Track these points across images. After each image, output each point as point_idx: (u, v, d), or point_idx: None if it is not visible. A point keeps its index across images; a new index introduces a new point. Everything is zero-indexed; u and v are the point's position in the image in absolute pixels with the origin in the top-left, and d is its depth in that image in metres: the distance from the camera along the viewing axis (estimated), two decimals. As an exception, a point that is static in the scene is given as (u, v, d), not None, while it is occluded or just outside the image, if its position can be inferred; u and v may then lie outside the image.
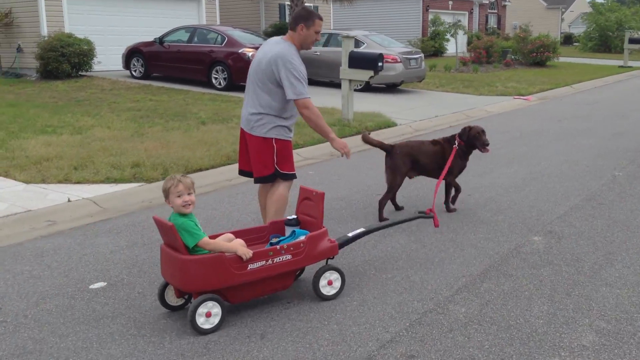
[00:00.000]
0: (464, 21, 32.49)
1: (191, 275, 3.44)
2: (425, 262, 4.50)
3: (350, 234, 4.14)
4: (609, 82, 19.98)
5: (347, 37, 10.48)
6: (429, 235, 5.10)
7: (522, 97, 15.19)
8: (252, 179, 4.62)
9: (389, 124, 10.90)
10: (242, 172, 4.74)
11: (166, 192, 3.50)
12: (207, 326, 3.45)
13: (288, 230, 4.05)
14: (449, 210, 5.78)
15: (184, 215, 3.49)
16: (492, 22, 37.43)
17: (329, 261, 3.98)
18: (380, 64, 10.12)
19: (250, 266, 3.55)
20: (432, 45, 28.07)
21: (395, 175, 5.59)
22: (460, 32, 22.78)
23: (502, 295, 3.95)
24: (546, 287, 4.07)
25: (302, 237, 3.79)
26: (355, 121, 10.61)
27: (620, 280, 4.19)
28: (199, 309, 3.42)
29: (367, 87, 15.45)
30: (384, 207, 5.57)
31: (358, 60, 10.24)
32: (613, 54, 33.62)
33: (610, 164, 7.78)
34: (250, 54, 13.78)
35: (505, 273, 4.31)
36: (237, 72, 13.89)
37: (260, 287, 3.69)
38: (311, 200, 4.05)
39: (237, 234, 3.90)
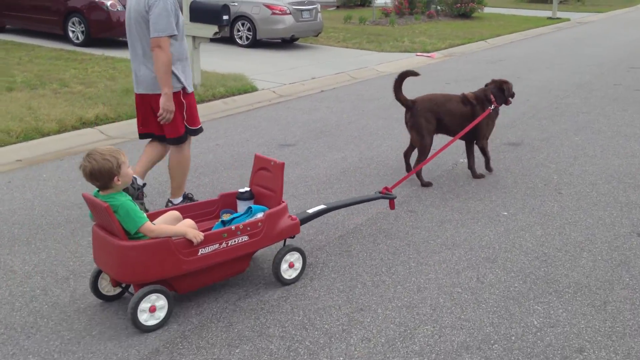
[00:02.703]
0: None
1: (132, 265, 2.92)
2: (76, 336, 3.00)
3: (309, 211, 3.75)
4: (529, 35, 18.63)
5: (188, -17, 8.65)
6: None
7: (425, 54, 13.71)
8: None
9: (247, 89, 9.27)
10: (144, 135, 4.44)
11: (116, 169, 2.93)
12: (151, 322, 2.96)
13: (241, 206, 3.56)
14: (474, 176, 5.43)
15: (120, 194, 2.99)
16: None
17: (288, 240, 3.57)
18: (225, 17, 8.34)
19: (202, 251, 3.08)
20: (359, -5, 26.16)
21: (421, 135, 5.20)
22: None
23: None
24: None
25: (260, 215, 3.35)
26: (205, 86, 8.93)
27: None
28: (141, 304, 2.91)
29: (255, 42, 13.71)
30: (421, 173, 5.23)
31: (200, 13, 8.45)
32: (547, 4, 32.30)
33: (460, 148, 6.34)
34: (109, 4, 12.06)
35: (179, 353, 2.85)
36: (94, 25, 12.17)
37: (212, 273, 3.23)
38: (269, 171, 3.56)
39: (182, 210, 3.46)
